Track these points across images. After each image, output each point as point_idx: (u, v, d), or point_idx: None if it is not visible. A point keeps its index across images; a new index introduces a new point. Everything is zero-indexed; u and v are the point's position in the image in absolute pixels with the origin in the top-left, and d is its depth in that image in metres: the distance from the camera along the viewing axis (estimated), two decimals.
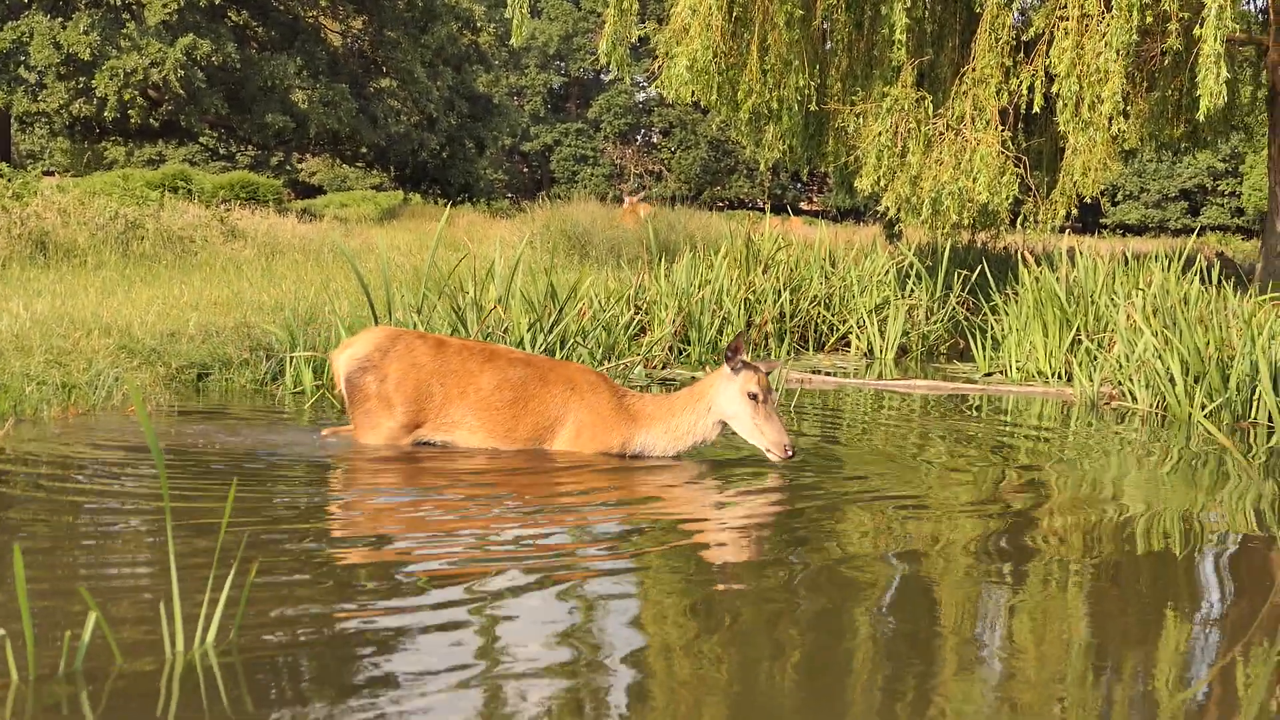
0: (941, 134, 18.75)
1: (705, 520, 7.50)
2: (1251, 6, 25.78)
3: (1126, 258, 17.44)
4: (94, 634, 4.49)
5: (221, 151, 65.27)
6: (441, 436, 8.93)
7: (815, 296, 19.01)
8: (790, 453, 8.41)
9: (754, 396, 8.52)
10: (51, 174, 56.80)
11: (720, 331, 16.69)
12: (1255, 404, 12.25)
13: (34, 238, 19.57)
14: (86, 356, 11.09)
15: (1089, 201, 20.65)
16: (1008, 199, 18.31)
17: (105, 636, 4.51)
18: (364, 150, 54.79)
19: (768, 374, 8.81)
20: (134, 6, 43.76)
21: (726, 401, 8.65)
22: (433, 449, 8.90)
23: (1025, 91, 18.59)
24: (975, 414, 12.72)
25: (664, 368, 14.48)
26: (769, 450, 8.51)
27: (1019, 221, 21.11)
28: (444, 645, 4.79)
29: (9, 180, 24.58)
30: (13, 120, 47.34)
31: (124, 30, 43.10)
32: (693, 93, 20.06)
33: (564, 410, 8.89)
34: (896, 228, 26.65)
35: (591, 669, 4.68)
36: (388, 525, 7.11)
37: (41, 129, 52.99)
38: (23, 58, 44.50)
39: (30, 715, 4.01)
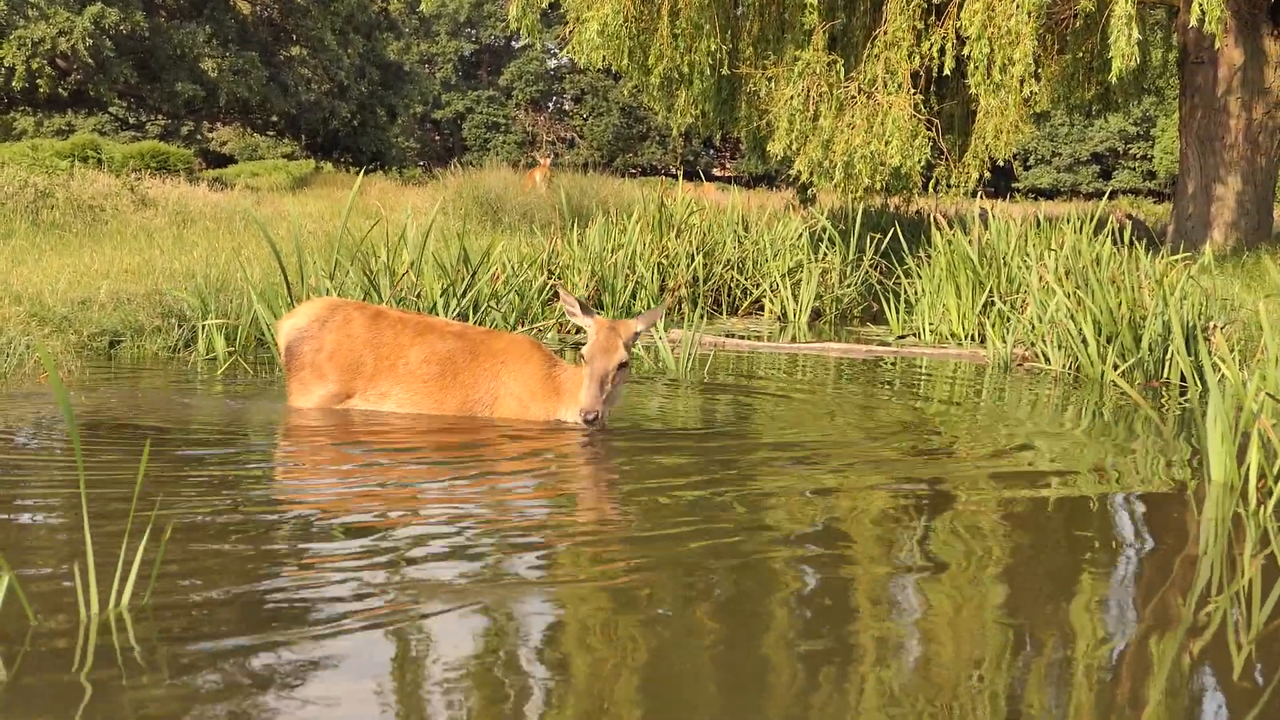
0: (854, 98, 18.81)
1: (622, 485, 7.50)
2: None
3: (1039, 220, 17.53)
4: (7, 595, 4.47)
5: (131, 121, 64.59)
6: (374, 407, 8.93)
7: (728, 261, 19.05)
8: (586, 418, 8.34)
9: (581, 356, 8.54)
10: None
11: (634, 296, 16.72)
12: (1167, 364, 12.35)
13: None
14: None
15: (1001, 165, 20.82)
16: (920, 162, 18.39)
17: (19, 598, 4.48)
18: (275, 119, 54.44)
19: (639, 330, 8.74)
20: None
21: None
22: (359, 411, 8.90)
23: (937, 54, 18.67)
24: (889, 376, 12.77)
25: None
26: None
27: (931, 185, 21.21)
28: (359, 605, 4.79)
29: None
30: None
31: None
32: (604, 58, 20.07)
33: (494, 383, 8.87)
34: (809, 192, 26.72)
35: (505, 626, 4.68)
36: (305, 486, 7.10)
37: None
38: None
39: None
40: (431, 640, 4.48)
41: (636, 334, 8.62)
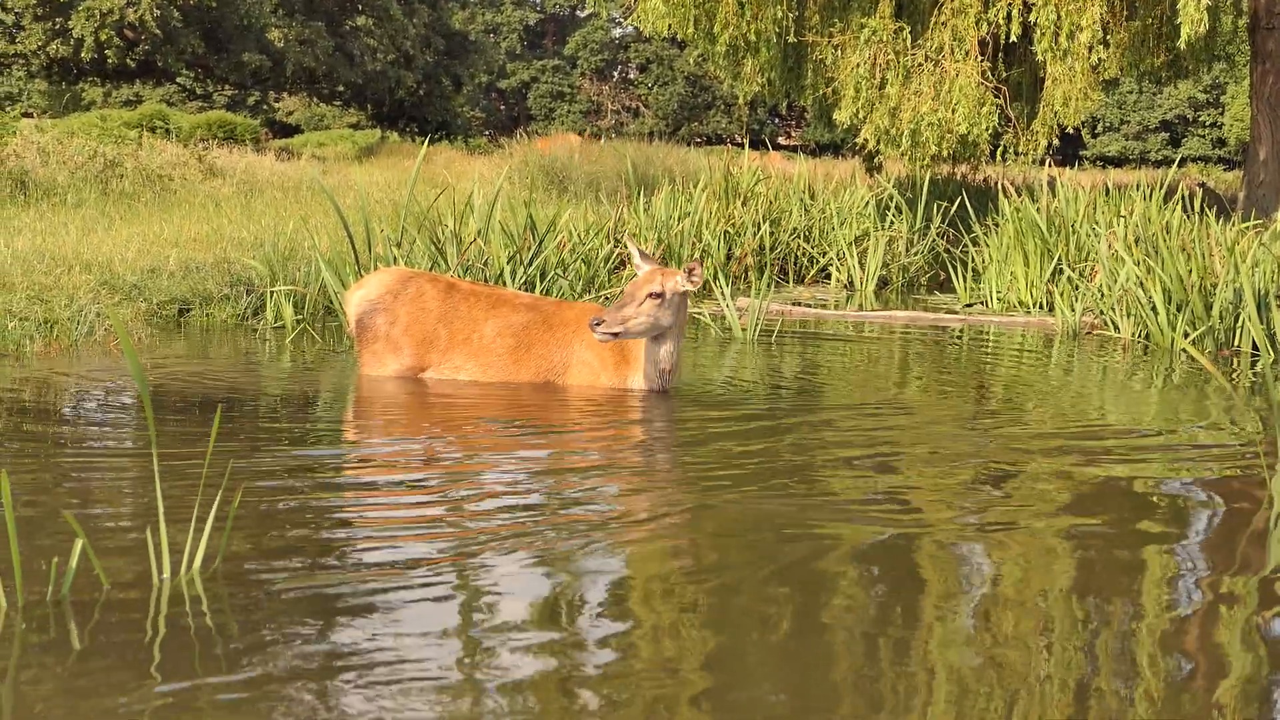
0: (920, 65, 18.72)
1: (687, 447, 7.49)
2: None
3: (1108, 188, 17.42)
4: (81, 561, 4.49)
5: (198, 91, 64.88)
6: (447, 377, 8.96)
7: (795, 229, 19.03)
8: (590, 323, 8.32)
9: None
10: (30, 116, 56.56)
11: (700, 263, 16.68)
12: (1238, 332, 12.26)
13: (14, 177, 19.48)
14: (68, 293, 11.08)
15: (1070, 133, 20.64)
16: (987, 130, 18.30)
17: (92, 564, 4.50)
18: (341, 89, 54.62)
19: (685, 288, 8.66)
20: None
21: None
22: (428, 378, 8.94)
23: (1003, 21, 18.53)
24: (956, 344, 12.73)
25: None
26: None
27: (999, 153, 21.10)
28: (430, 572, 4.80)
29: None
30: None
31: None
32: (669, 26, 20.02)
33: (565, 352, 8.89)
34: (876, 160, 26.62)
35: (569, 584, 4.69)
36: (375, 451, 7.12)
37: (19, 71, 52.69)
38: None
39: (18, 641, 4.01)
40: (498, 607, 4.48)
41: (680, 285, 8.54)
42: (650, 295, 8.41)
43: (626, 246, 9.05)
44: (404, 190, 15.83)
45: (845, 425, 8.19)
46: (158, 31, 43.19)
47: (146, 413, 4.68)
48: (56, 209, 17.79)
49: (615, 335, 8.41)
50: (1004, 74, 19.99)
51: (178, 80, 55.68)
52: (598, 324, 8.31)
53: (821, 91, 21.31)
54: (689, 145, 54.26)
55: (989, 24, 18.75)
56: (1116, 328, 13.16)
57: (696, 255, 16.74)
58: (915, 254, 18.81)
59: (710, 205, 18.14)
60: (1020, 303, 16.15)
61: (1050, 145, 19.62)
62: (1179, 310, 12.52)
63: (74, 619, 4.20)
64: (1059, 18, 17.75)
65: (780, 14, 19.77)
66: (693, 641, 4.24)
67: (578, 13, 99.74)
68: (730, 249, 17.82)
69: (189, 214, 17.77)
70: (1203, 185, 26.88)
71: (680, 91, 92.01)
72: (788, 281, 18.57)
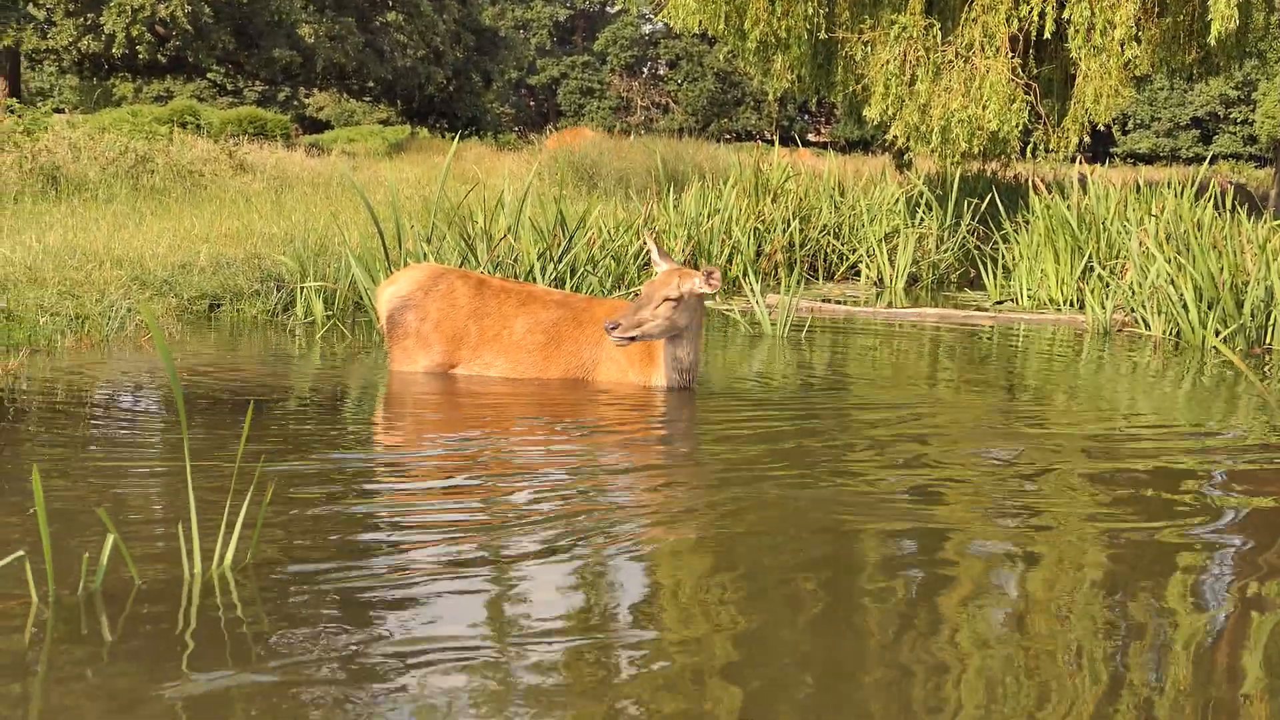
0: (951, 62, 18.69)
1: (715, 451, 7.49)
2: None
3: (1139, 185, 17.38)
4: (112, 556, 4.51)
5: (229, 87, 65.06)
6: (478, 374, 8.98)
7: (825, 226, 19.02)
8: (606, 326, 8.35)
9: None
10: (61, 111, 56.72)
11: (730, 260, 16.69)
12: (1270, 330, 12.23)
13: (45, 172, 19.54)
14: (99, 288, 11.11)
15: (1101, 130, 20.57)
16: (1018, 126, 18.28)
17: (124, 558, 4.52)
18: (371, 85, 54.74)
19: (704, 290, 8.64)
20: None
21: None
22: (457, 374, 8.96)
23: (1036, 18, 18.50)
24: (986, 342, 12.71)
25: None
26: None
27: (1029, 150, 21.07)
28: (459, 564, 4.81)
29: (20, 116, 24.54)
30: (23, 58, 47.28)
31: None
32: (699, 22, 20.05)
33: (595, 350, 8.92)
34: (906, 157, 26.58)
35: (600, 579, 4.70)
36: (405, 445, 7.13)
37: (51, 66, 52.94)
38: None
39: (50, 634, 4.03)
40: (529, 600, 4.49)
41: (696, 288, 8.52)
42: (666, 298, 8.42)
43: (646, 244, 9.04)
44: (434, 186, 15.86)
45: (875, 421, 8.18)
46: (189, 27, 43.34)
47: (179, 409, 4.70)
48: (88, 204, 17.84)
49: (631, 339, 8.42)
50: (1035, 70, 19.95)
51: (208, 76, 55.87)
52: (614, 327, 8.32)
53: (851, 88, 21.30)
54: (718, 141, 54.26)
55: (1020, 20, 18.72)
56: (1147, 325, 13.14)
57: (724, 254, 16.73)
58: (945, 251, 18.79)
59: (740, 202, 18.13)
60: (1051, 300, 16.13)
61: (1081, 142, 19.57)
62: (1210, 308, 12.49)
63: (105, 613, 4.21)
64: (1092, 14, 17.72)
65: (811, 10, 19.76)
66: (724, 634, 4.24)
67: (608, 9, 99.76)
68: (760, 246, 17.82)
69: (220, 210, 17.80)
70: (1234, 183, 26.76)
71: (710, 88, 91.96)
72: (817, 278, 18.57)
